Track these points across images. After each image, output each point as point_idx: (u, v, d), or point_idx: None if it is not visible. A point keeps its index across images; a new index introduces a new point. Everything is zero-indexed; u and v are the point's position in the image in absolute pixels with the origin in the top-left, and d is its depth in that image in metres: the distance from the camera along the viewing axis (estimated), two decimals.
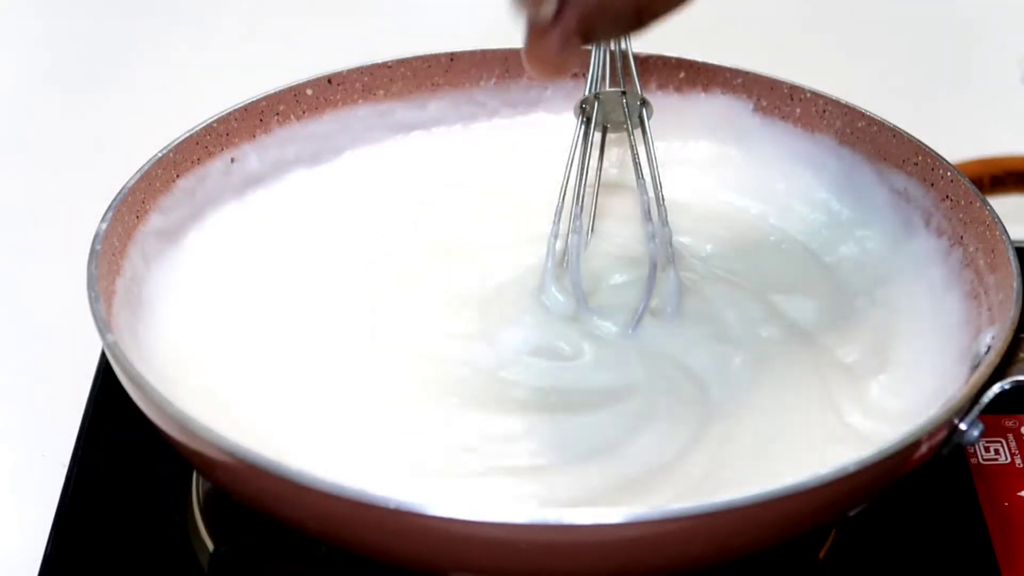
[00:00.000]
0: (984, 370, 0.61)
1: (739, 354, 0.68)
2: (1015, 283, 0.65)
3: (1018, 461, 0.72)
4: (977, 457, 0.72)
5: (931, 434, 0.59)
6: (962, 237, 0.71)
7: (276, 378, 0.68)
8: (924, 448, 0.59)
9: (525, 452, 0.64)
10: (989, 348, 0.63)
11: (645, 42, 0.79)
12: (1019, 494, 0.70)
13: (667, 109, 0.81)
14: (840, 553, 0.67)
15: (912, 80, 1.02)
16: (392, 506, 0.54)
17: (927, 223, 0.73)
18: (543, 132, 0.82)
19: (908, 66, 1.05)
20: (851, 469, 0.56)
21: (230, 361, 0.68)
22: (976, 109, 1.00)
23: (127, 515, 0.69)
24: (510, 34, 0.77)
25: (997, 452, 0.72)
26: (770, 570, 0.66)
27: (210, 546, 0.67)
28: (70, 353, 0.79)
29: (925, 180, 0.74)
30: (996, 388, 0.61)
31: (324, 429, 0.65)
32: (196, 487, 0.70)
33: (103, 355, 0.75)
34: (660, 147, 0.78)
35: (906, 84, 0.99)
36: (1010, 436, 0.73)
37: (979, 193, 0.71)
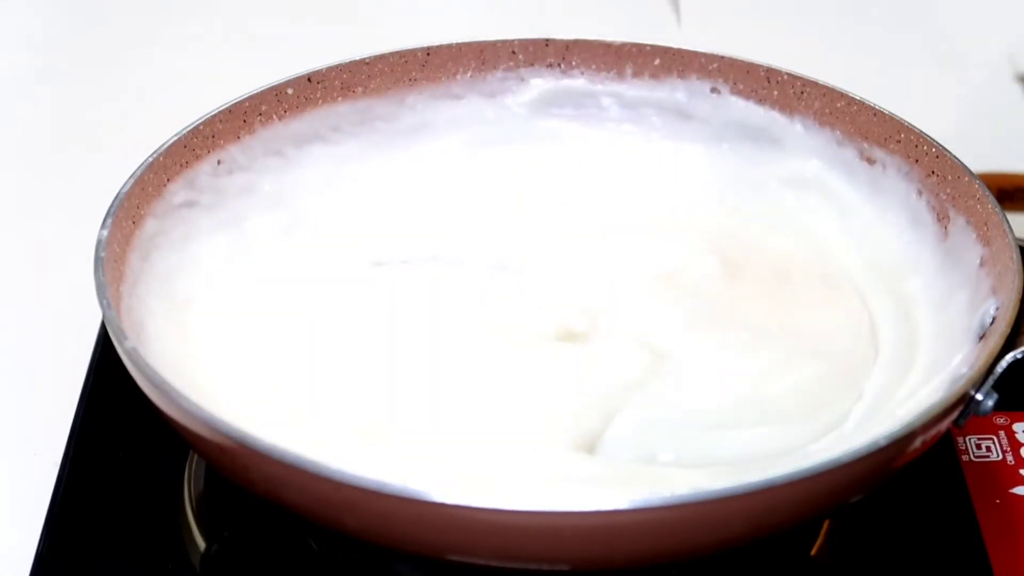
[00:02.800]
0: (997, 340, 0.61)
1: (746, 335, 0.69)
2: (1014, 254, 0.65)
3: (1009, 458, 0.72)
4: (968, 454, 0.72)
5: (951, 406, 0.59)
6: (951, 211, 0.72)
7: (275, 379, 0.67)
8: (945, 421, 0.60)
9: (525, 433, 0.64)
10: (994, 318, 0.64)
11: (619, 30, 0.81)
12: (1010, 491, 0.70)
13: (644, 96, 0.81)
14: (831, 550, 0.67)
15: (903, 76, 1.03)
16: (390, 491, 0.54)
17: (917, 197, 0.74)
18: (520, 121, 0.82)
19: (898, 61, 1.06)
20: (882, 443, 0.56)
21: (227, 361, 0.68)
22: (967, 106, 1.01)
23: (119, 514, 0.69)
24: (484, 27, 0.78)
25: (988, 449, 0.72)
26: (761, 567, 0.66)
27: (202, 545, 0.67)
28: (62, 353, 0.78)
29: (909, 157, 0.75)
30: (1009, 358, 0.61)
31: (323, 426, 0.65)
32: (189, 486, 0.70)
33: (95, 355, 0.76)
34: (638, 136, 0.79)
35: (896, 80, 1.00)
36: (1001, 433, 0.73)
37: (966, 167, 0.72)
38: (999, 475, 0.71)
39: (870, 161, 0.76)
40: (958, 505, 0.70)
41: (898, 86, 0.89)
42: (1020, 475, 0.71)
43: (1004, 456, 0.72)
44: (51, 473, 0.71)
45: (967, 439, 0.72)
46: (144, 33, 1.10)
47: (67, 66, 1.06)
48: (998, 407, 0.61)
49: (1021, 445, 0.72)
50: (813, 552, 0.67)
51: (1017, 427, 0.73)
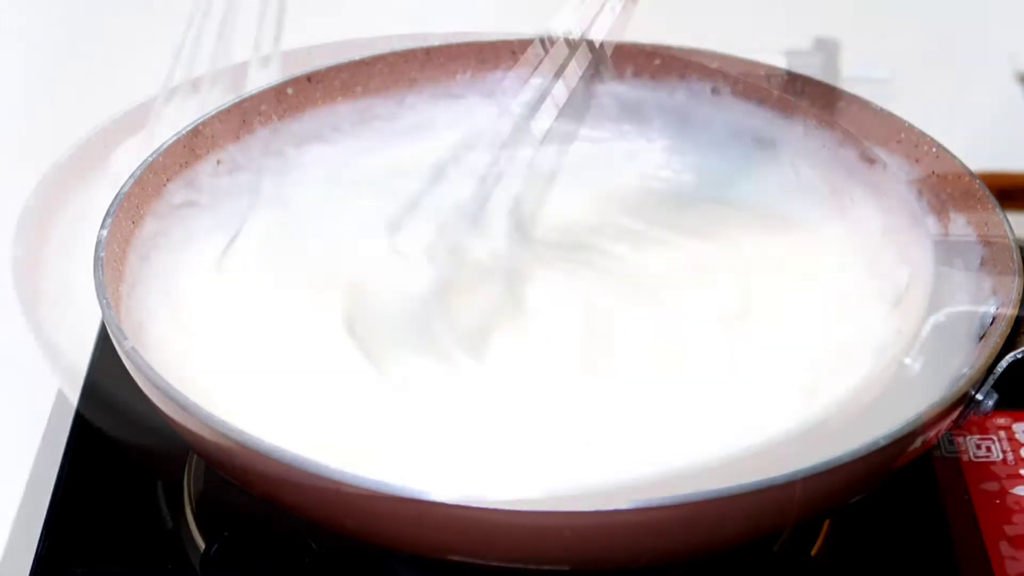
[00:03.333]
0: (997, 340, 0.61)
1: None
2: (1014, 254, 0.66)
3: (1009, 458, 0.72)
4: (968, 454, 0.72)
5: (951, 406, 0.59)
6: (951, 211, 0.72)
7: (275, 379, 0.67)
8: (945, 421, 0.60)
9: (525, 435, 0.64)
10: (994, 319, 0.64)
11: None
12: (1010, 491, 0.70)
13: (644, 96, 0.81)
14: (831, 550, 0.67)
15: (903, 76, 1.03)
16: (390, 491, 0.54)
17: (918, 197, 0.74)
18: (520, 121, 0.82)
19: (898, 61, 1.06)
20: (882, 443, 0.56)
21: (227, 361, 0.68)
22: (967, 106, 1.01)
23: (119, 514, 0.69)
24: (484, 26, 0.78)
25: (988, 450, 0.72)
26: (761, 567, 0.66)
27: (202, 545, 0.67)
28: (62, 354, 0.78)
29: (909, 157, 0.75)
30: (1009, 358, 0.61)
31: (324, 426, 0.65)
32: (189, 486, 0.70)
33: (93, 356, 0.76)
34: (638, 136, 0.80)
35: (896, 80, 1.00)
36: (1001, 433, 0.73)
37: (966, 167, 0.72)
38: (999, 475, 0.71)
39: (870, 161, 0.76)
40: (958, 505, 0.70)
41: (899, 86, 0.88)
42: (1020, 475, 0.71)
43: (1004, 456, 0.72)
44: (51, 473, 0.71)
45: (967, 439, 0.72)
46: (144, 33, 1.09)
47: (67, 65, 1.06)
48: (998, 407, 0.61)
49: (1021, 445, 0.72)
50: (813, 552, 0.67)
51: (1017, 427, 0.73)
